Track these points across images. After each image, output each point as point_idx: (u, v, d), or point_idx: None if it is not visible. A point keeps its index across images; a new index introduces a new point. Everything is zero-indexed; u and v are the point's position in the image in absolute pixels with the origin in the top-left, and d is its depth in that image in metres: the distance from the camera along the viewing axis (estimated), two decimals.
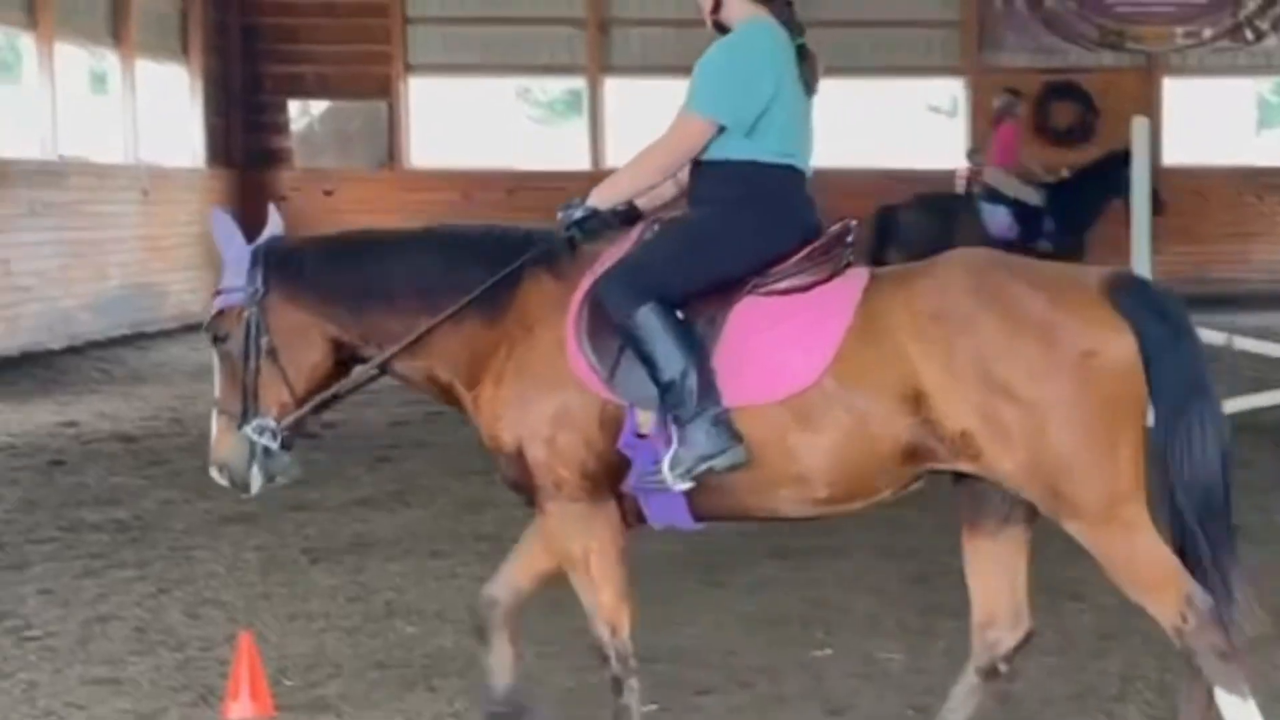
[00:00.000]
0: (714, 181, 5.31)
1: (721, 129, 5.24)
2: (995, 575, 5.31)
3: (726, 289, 5.20)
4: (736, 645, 6.83)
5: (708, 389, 5.03)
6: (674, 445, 5.04)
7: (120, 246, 21.69)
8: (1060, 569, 6.55)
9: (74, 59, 21.44)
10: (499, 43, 26.26)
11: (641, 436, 5.14)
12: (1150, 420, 5.02)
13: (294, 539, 8.91)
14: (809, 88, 5.41)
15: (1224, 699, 4.91)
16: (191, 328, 23.01)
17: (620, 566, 5.29)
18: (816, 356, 5.04)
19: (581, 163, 26.13)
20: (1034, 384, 4.89)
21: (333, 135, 26.24)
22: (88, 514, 9.60)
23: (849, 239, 5.31)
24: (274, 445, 5.41)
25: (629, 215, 5.46)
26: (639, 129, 26.37)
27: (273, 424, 5.40)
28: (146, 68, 22.97)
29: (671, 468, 5.05)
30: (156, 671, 6.56)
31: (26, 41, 20.24)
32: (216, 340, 5.49)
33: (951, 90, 27.10)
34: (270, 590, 7.83)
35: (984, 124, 25.93)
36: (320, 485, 10.27)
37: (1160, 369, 4.97)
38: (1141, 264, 11.78)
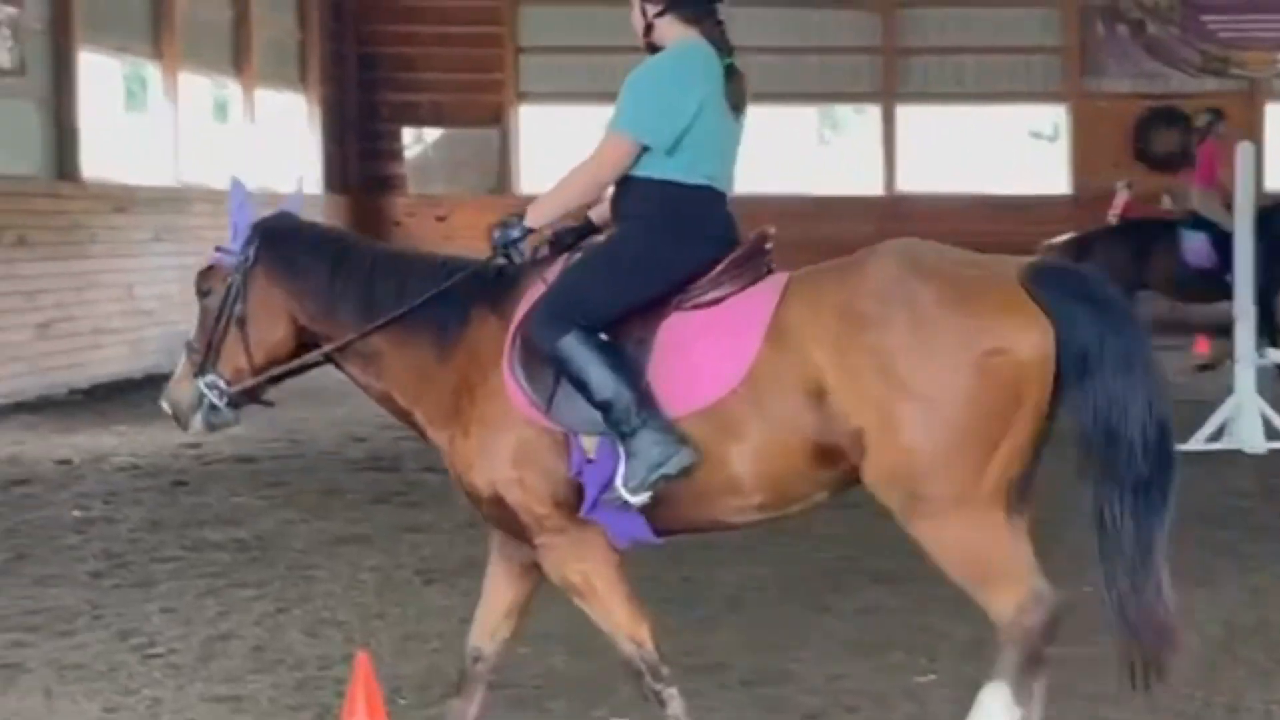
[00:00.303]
0: (634, 199, 5.34)
1: (646, 148, 5.27)
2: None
3: (652, 307, 5.23)
4: (842, 670, 6.77)
5: (645, 401, 5.07)
6: (624, 462, 5.06)
7: None
8: None
9: (198, 88, 21.69)
10: (606, 70, 26.30)
11: (590, 461, 5.17)
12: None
13: (408, 560, 8.95)
14: (736, 108, 5.40)
15: (994, 688, 4.94)
16: None
17: (622, 582, 5.34)
18: (734, 364, 5.07)
19: None
20: (930, 381, 4.86)
21: (445, 162, 26.41)
22: (209, 533, 9.70)
23: (767, 248, 5.33)
24: (220, 404, 5.61)
25: (585, 231, 5.54)
26: (746, 154, 26.38)
27: (223, 384, 5.61)
28: (266, 96, 23.22)
29: (626, 484, 5.08)
30: (275, 690, 6.59)
31: (153, 71, 20.53)
32: (200, 292, 5.71)
33: (1053, 116, 26.91)
34: (385, 610, 7.85)
35: (1085, 150, 25.86)
36: (433, 508, 10.35)
37: (1093, 356, 4.89)
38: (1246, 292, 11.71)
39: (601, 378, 5.06)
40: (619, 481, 5.10)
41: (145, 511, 10.46)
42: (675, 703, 5.33)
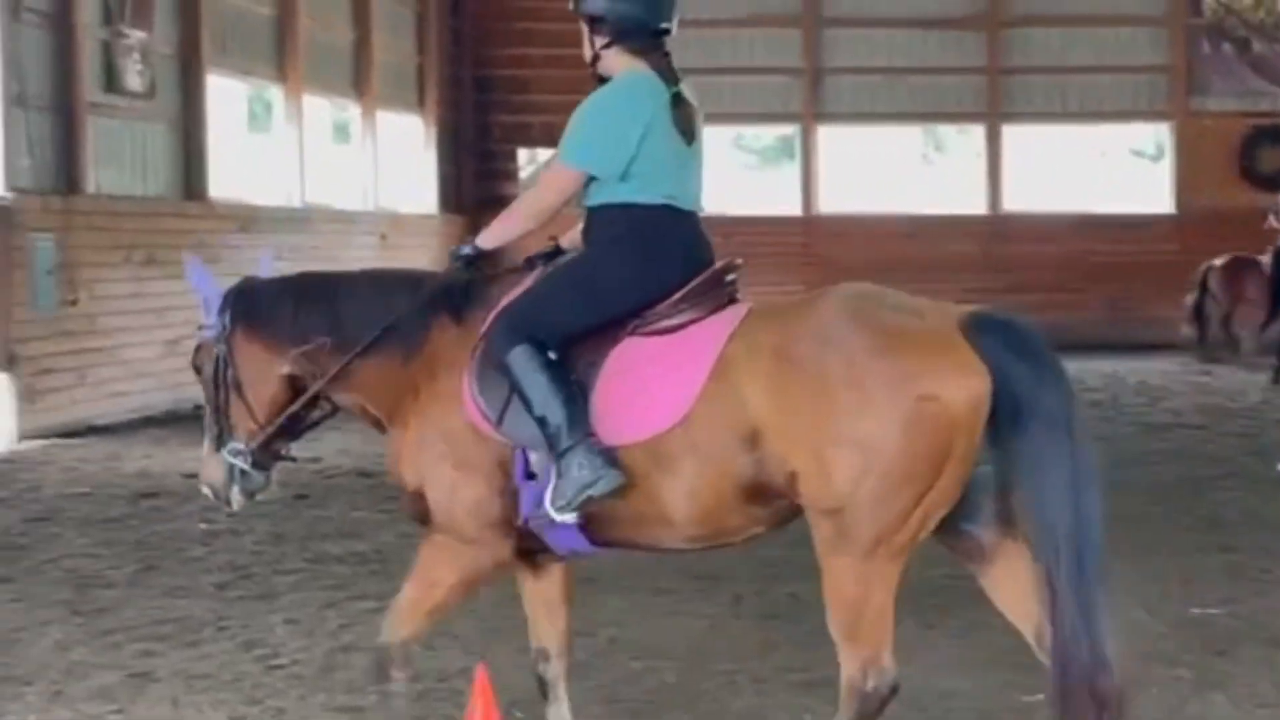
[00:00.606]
0: (597, 225, 5.42)
1: (592, 177, 5.36)
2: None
3: (610, 330, 5.27)
4: (950, 687, 6.75)
5: (579, 422, 5.10)
6: (553, 479, 5.13)
7: None
8: (1275, 619, 6.40)
9: (319, 110, 21.92)
10: (718, 92, 26.34)
11: (532, 476, 5.25)
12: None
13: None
14: (686, 134, 5.43)
15: None
16: None
17: (459, 589, 5.45)
18: (679, 398, 5.08)
19: (793, 208, 26.12)
20: (862, 426, 4.84)
21: None
22: (330, 546, 9.77)
23: (729, 277, 5.36)
24: (246, 467, 5.70)
25: (556, 254, 5.62)
26: (849, 174, 26.39)
27: (243, 448, 5.69)
28: (385, 118, 23.41)
29: (553, 502, 5.14)
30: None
31: (276, 94, 20.75)
32: (196, 370, 5.84)
33: (1157, 135, 26.66)
34: (500, 624, 7.83)
35: (1189, 169, 25.60)
36: None
37: (1025, 410, 4.88)
38: None
39: (541, 394, 5.13)
40: (546, 500, 5.18)
41: (269, 525, 10.54)
42: (399, 700, 5.59)
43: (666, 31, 5.49)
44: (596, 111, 5.42)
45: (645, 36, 5.46)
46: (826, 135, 26.38)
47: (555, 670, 5.71)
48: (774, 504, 5.08)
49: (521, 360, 5.17)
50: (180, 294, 17.39)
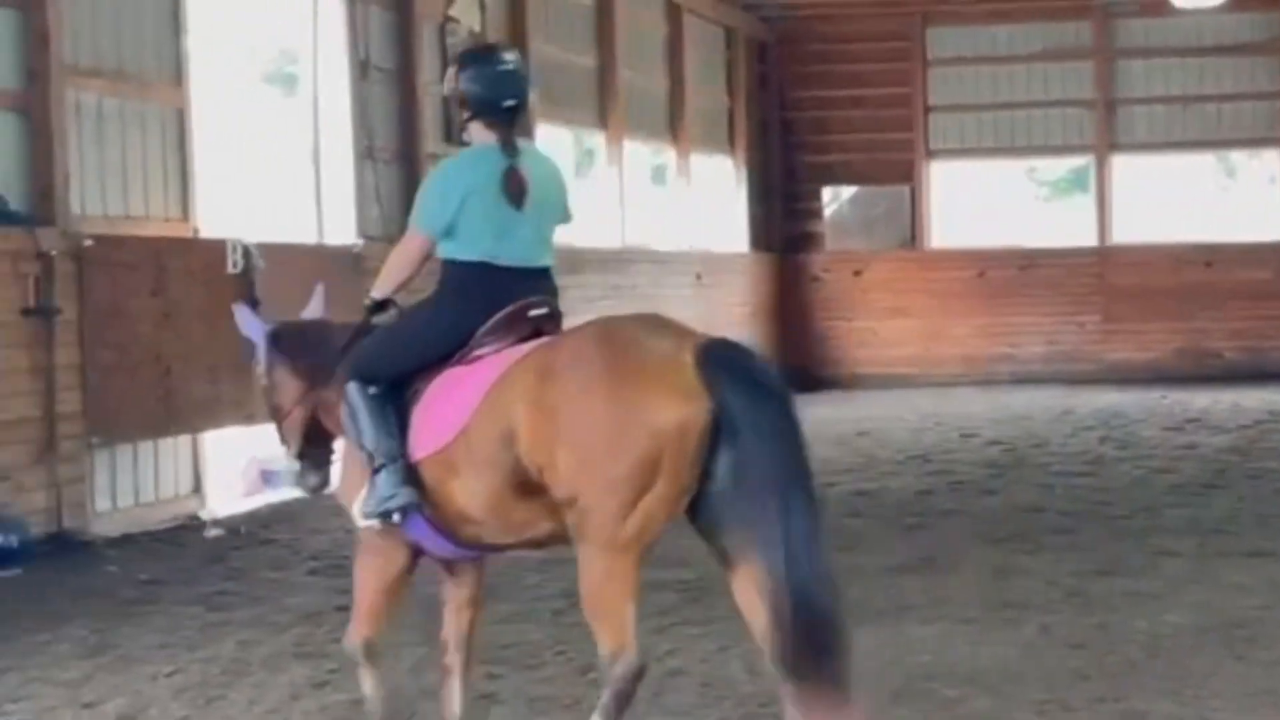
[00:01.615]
0: (437, 276, 6.03)
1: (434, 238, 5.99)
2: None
3: (436, 364, 5.87)
4: None
5: (389, 446, 5.79)
6: (365, 492, 5.85)
7: None
8: None
9: (638, 155, 22.14)
10: (1011, 126, 26.01)
11: None
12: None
13: None
14: (515, 199, 5.88)
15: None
16: None
17: (378, 592, 6.08)
18: (460, 414, 5.69)
19: (1088, 238, 25.57)
20: (584, 433, 5.35)
21: (861, 219, 26.40)
22: (658, 574, 9.78)
23: (532, 313, 5.86)
24: (302, 469, 6.63)
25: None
26: (1144, 203, 25.75)
27: (295, 463, 6.63)
28: (699, 161, 23.56)
29: (361, 510, 5.87)
30: None
31: (598, 140, 21.05)
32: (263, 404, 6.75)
33: None
34: None
35: None
36: (858, 551, 10.31)
37: (740, 426, 5.30)
38: None
39: (362, 421, 5.87)
40: (356, 506, 5.91)
41: None
42: (371, 683, 6.14)
43: (514, 107, 6.01)
44: (430, 181, 6.12)
45: (495, 112, 5.99)
46: (1120, 165, 25.80)
47: (453, 660, 6.18)
48: (542, 497, 5.55)
49: (351, 394, 5.93)
50: None
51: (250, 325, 6.67)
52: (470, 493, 5.69)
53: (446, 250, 5.93)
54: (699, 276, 22.89)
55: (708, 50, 24.25)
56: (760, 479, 5.30)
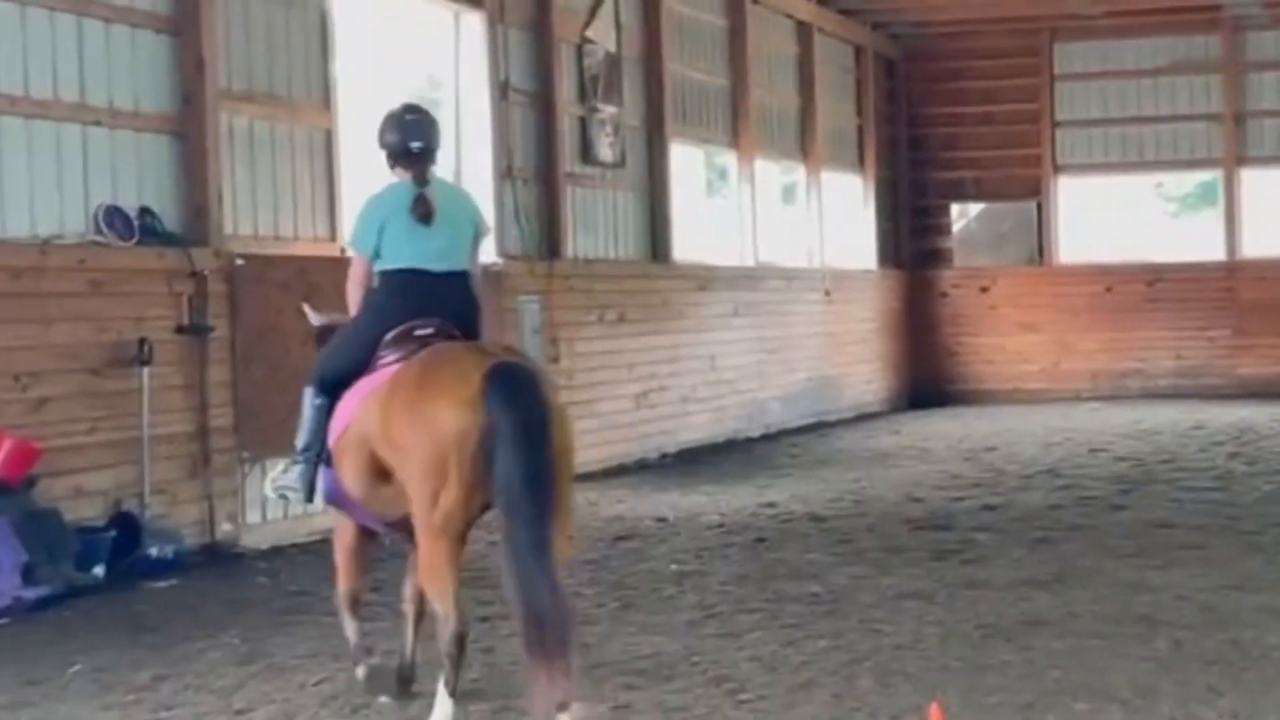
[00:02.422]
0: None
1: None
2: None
3: (364, 368, 7.04)
4: None
5: (310, 445, 7.20)
6: (281, 470, 7.41)
7: (807, 343, 22.21)
8: None
9: (769, 173, 22.11)
10: (1139, 140, 25.68)
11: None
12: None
13: (968, 615, 8.80)
14: (423, 218, 7.16)
15: (439, 684, 6.59)
16: (866, 417, 23.32)
17: (346, 554, 7.42)
18: (350, 413, 6.93)
19: (1216, 253, 25.16)
20: (398, 433, 6.55)
21: (988, 235, 26.20)
22: (788, 587, 9.81)
23: (417, 332, 6.98)
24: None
25: None
26: (1274, 217, 25.26)
27: None
28: (829, 178, 23.48)
29: (270, 483, 7.55)
30: None
31: (730, 159, 21.06)
32: None
33: None
34: (948, 664, 7.76)
35: None
36: (990, 565, 10.26)
37: (502, 435, 6.27)
38: None
39: (301, 420, 7.25)
40: (265, 482, 7.81)
41: (733, 566, 10.67)
42: (349, 627, 7.42)
43: (420, 150, 7.32)
44: (358, 213, 7.41)
45: (406, 154, 7.32)
46: (1249, 178, 25.38)
47: (408, 609, 7.35)
48: (396, 482, 6.65)
49: (304, 396, 7.26)
50: (648, 350, 17.89)
51: (315, 319, 7.96)
52: (352, 476, 6.91)
53: (377, 266, 7.25)
54: (828, 293, 22.82)
55: (837, 68, 24.19)
56: (505, 486, 6.24)
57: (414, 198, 7.19)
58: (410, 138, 7.33)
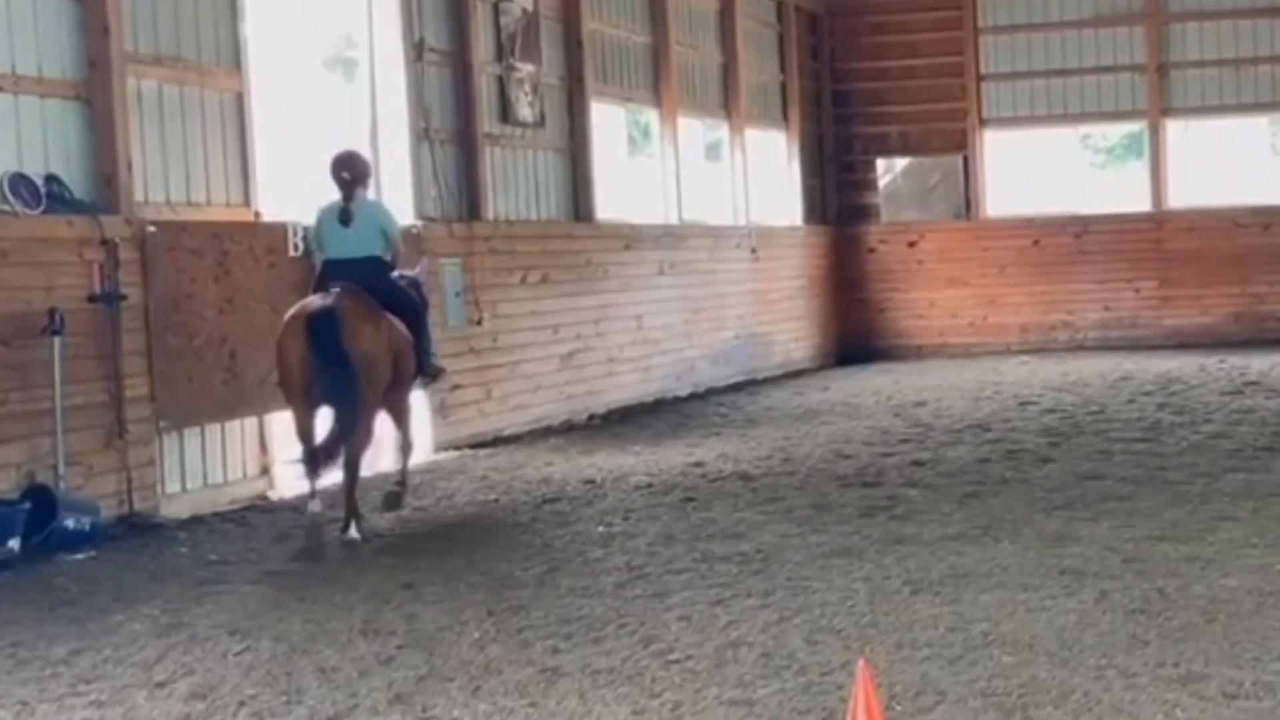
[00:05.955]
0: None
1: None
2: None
3: None
4: None
5: None
6: None
7: (734, 301, 22.24)
8: None
9: (692, 131, 22.08)
10: (1064, 93, 25.82)
11: None
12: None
13: (896, 571, 8.85)
14: (344, 223, 11.13)
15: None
16: (795, 374, 23.40)
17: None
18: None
19: (1143, 204, 25.38)
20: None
21: (914, 190, 26.30)
22: (717, 547, 9.83)
23: (330, 289, 10.80)
24: None
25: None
26: (1198, 168, 25.50)
27: None
28: (753, 135, 23.50)
29: None
30: (783, 694, 6.56)
31: (653, 117, 21.02)
32: None
33: None
34: (877, 619, 7.80)
35: None
36: (918, 521, 10.32)
37: (312, 359, 10.42)
38: None
39: None
40: None
41: (661, 527, 10.68)
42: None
43: (347, 178, 11.16)
44: (313, 223, 11.54)
45: (338, 180, 11.17)
46: (1174, 129, 25.59)
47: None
48: None
49: None
50: (573, 311, 17.88)
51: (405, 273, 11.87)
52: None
53: (320, 257, 11.33)
54: (754, 251, 22.85)
55: (759, 24, 24.18)
56: (320, 392, 10.45)
57: (340, 210, 11.14)
58: (340, 170, 11.19)
